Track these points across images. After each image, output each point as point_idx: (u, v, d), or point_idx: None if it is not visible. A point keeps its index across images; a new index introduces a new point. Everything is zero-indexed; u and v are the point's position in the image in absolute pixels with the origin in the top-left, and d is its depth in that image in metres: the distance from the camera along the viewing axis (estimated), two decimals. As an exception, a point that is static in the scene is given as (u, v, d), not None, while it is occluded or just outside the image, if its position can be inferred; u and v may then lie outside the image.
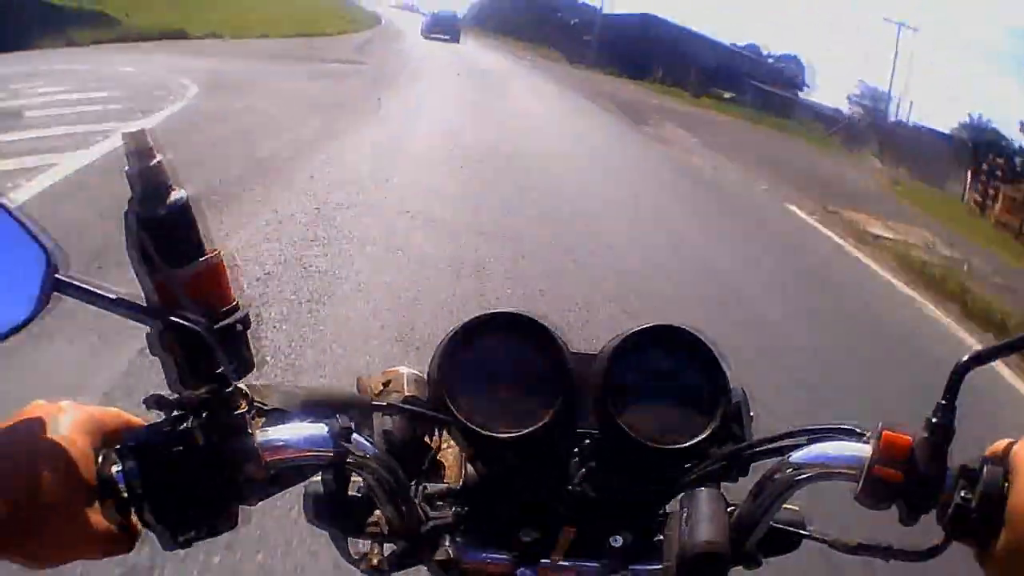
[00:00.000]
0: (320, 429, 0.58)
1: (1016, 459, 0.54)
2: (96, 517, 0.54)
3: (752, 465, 0.64)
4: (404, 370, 0.65)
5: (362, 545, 0.62)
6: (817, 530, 0.63)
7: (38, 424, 0.53)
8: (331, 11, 30.82)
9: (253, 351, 0.61)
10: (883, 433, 0.56)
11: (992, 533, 0.53)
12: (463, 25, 39.74)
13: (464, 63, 22.31)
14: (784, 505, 0.64)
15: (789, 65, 42.94)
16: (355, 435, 0.58)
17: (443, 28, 36.21)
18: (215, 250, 0.60)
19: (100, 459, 0.55)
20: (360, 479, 0.61)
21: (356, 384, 0.64)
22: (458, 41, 34.39)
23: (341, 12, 33.22)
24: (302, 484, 0.62)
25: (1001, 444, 0.56)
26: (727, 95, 31.29)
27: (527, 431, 0.61)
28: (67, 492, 0.52)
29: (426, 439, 0.65)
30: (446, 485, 0.64)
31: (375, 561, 0.62)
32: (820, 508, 0.70)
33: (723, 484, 0.64)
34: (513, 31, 39.61)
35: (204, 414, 0.55)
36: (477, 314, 0.64)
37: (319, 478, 0.63)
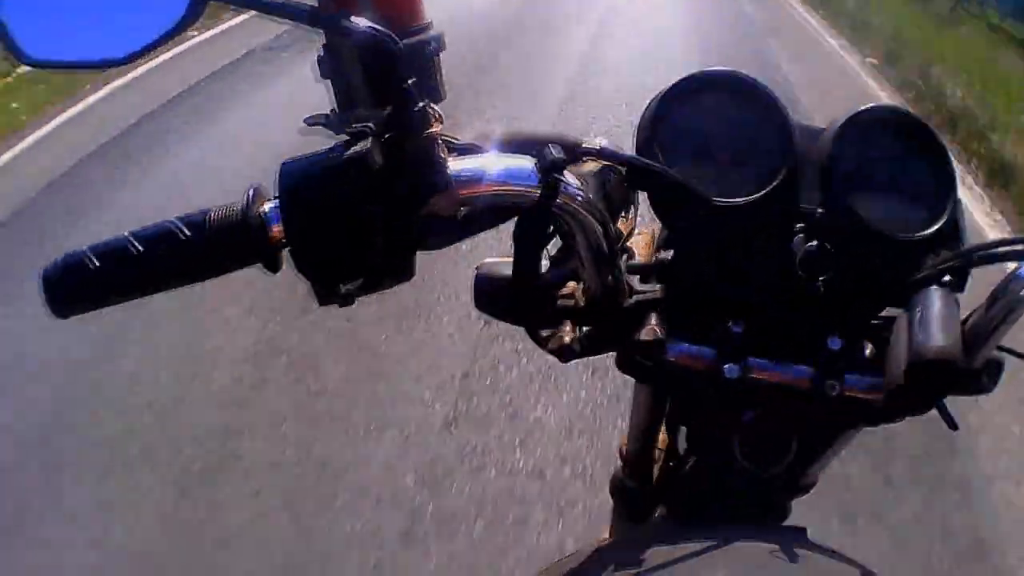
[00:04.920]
0: (526, 162, 0.49)
1: None
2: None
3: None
4: (601, 140, 0.56)
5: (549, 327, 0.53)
6: None
7: None
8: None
9: (444, 84, 0.52)
10: None
11: None
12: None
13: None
14: None
15: None
16: (566, 174, 0.48)
17: None
18: None
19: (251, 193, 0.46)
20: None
21: None
22: None
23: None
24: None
25: None
26: None
27: (749, 198, 0.52)
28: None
29: (619, 222, 0.56)
30: (654, 259, 0.55)
31: (566, 340, 0.52)
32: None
33: None
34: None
35: (386, 136, 0.46)
36: (690, 73, 0.55)
37: (489, 263, 0.54)
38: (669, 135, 0.54)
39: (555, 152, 0.48)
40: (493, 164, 0.48)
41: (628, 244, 0.57)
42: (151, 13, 0.48)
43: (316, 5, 0.49)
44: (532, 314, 0.53)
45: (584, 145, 0.51)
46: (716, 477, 0.60)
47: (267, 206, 0.46)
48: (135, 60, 0.46)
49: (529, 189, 0.48)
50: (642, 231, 0.58)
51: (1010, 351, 0.55)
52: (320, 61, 0.49)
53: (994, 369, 0.55)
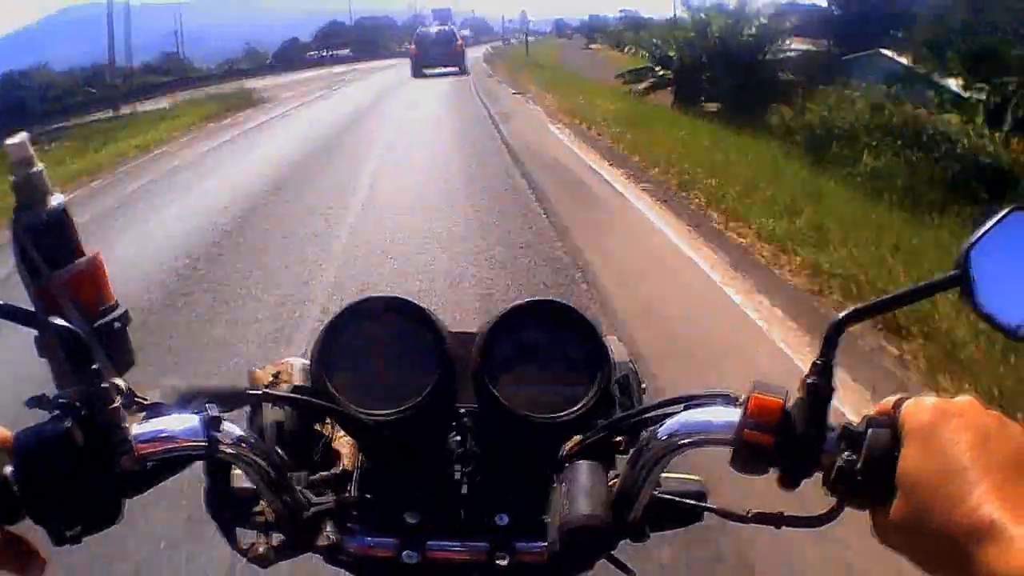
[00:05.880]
0: (193, 420, 0.59)
1: (905, 418, 0.50)
2: None
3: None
4: (295, 360, 0.66)
5: (252, 535, 0.63)
6: (709, 500, 0.61)
7: None
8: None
9: (133, 348, 0.63)
10: (753, 397, 0.54)
11: (883, 497, 0.49)
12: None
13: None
14: (686, 475, 0.62)
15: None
16: (226, 424, 0.58)
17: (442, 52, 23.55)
18: (95, 251, 0.62)
19: None
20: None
21: (248, 376, 0.65)
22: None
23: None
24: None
25: (888, 403, 0.52)
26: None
27: (403, 409, 0.61)
28: None
29: (318, 428, 0.65)
30: (331, 472, 0.65)
31: (260, 550, 0.62)
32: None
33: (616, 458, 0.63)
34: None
35: (82, 411, 0.57)
36: (353, 300, 0.64)
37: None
38: (338, 357, 0.63)
39: (212, 411, 0.59)
40: (167, 426, 0.59)
41: (334, 447, 0.66)
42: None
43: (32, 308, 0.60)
44: (233, 520, 0.63)
45: (249, 391, 0.61)
46: None
47: (7, 469, 0.57)
48: None
49: (198, 442, 0.58)
50: (340, 438, 0.67)
51: (670, 500, 0.62)
52: (37, 347, 0.61)
53: (666, 513, 0.63)
